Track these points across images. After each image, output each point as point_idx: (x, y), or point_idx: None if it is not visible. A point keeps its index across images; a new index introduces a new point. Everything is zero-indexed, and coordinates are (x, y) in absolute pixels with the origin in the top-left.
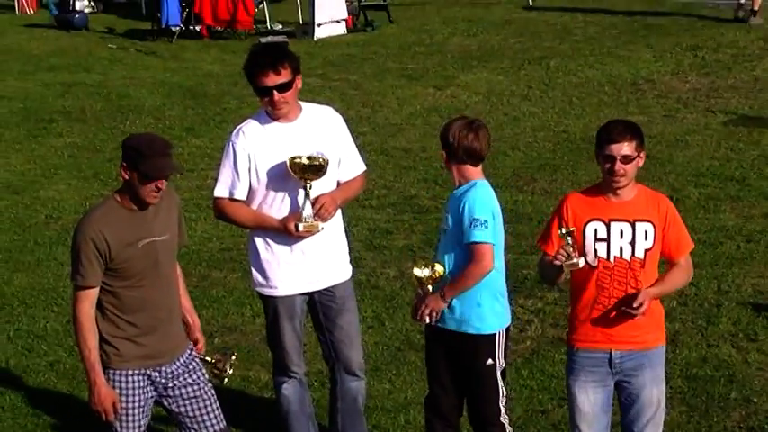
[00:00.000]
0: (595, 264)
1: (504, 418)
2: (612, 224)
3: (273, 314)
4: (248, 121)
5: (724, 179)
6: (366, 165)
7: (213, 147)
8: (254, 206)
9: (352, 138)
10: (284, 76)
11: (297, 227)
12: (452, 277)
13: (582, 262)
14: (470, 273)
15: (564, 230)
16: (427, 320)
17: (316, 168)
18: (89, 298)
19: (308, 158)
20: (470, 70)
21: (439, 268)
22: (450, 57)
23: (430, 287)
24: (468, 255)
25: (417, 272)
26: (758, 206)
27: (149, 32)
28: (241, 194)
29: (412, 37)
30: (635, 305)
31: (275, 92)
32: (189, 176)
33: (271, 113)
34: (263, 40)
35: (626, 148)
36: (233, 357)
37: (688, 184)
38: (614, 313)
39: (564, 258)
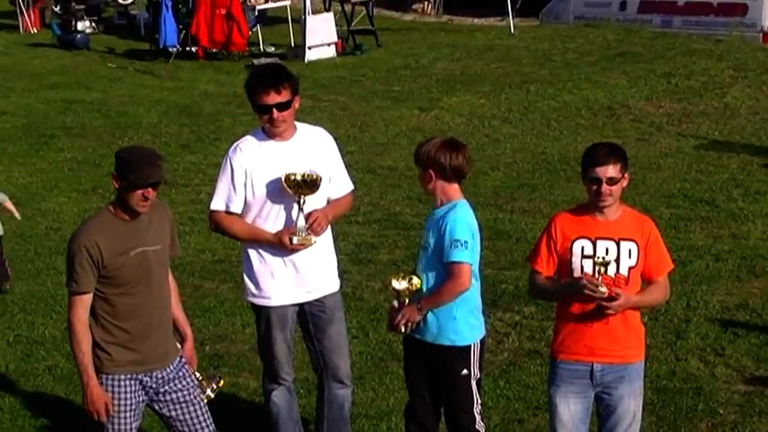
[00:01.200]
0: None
1: (479, 426)
2: (599, 242)
3: (266, 324)
4: (245, 138)
5: (694, 201)
6: (353, 182)
7: (207, 163)
8: (249, 220)
9: (342, 157)
10: (284, 96)
11: (291, 240)
12: (430, 291)
13: (605, 290)
14: (447, 290)
15: (601, 259)
16: (402, 330)
17: (310, 184)
18: (83, 304)
19: (303, 175)
20: (454, 93)
21: (416, 281)
22: (434, 80)
23: (407, 299)
24: (446, 272)
25: (395, 284)
26: (726, 227)
27: (148, 53)
28: (237, 208)
29: (398, 61)
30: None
31: (275, 110)
32: (183, 191)
33: (268, 131)
34: (256, 61)
35: (611, 170)
36: (219, 382)
37: (660, 204)
38: (596, 326)
39: (594, 289)
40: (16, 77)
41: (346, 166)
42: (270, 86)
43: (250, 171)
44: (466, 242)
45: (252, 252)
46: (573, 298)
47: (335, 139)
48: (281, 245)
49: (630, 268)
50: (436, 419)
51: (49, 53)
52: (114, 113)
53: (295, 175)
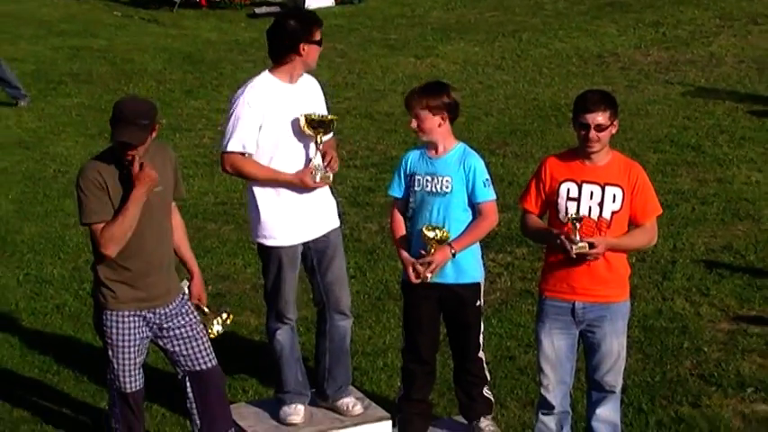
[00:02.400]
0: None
1: (481, 354)
2: (584, 185)
3: (278, 265)
4: (254, 80)
5: (681, 146)
6: (351, 127)
7: (210, 108)
8: (263, 161)
9: (338, 102)
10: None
11: (314, 178)
12: (462, 233)
13: (586, 245)
14: (485, 227)
15: (571, 216)
16: (429, 276)
17: (326, 125)
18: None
19: (321, 116)
20: (449, 41)
21: (446, 231)
22: (430, 28)
23: (433, 248)
24: (479, 212)
25: (429, 234)
26: (712, 171)
27: (152, 1)
28: (251, 149)
29: (395, 9)
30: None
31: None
32: (187, 135)
33: (310, 66)
34: (258, 10)
35: (600, 117)
36: (228, 318)
37: (647, 150)
38: (579, 266)
39: (570, 244)
40: (25, 25)
41: (344, 112)
42: (321, 24)
43: (264, 112)
44: (490, 180)
45: (261, 194)
46: (545, 241)
47: (332, 84)
48: (302, 184)
49: (614, 212)
50: (435, 355)
51: (57, 1)
52: (120, 60)
53: (314, 114)
